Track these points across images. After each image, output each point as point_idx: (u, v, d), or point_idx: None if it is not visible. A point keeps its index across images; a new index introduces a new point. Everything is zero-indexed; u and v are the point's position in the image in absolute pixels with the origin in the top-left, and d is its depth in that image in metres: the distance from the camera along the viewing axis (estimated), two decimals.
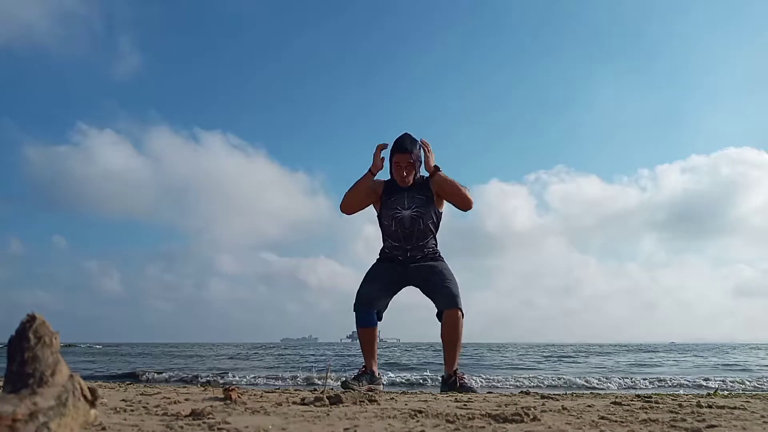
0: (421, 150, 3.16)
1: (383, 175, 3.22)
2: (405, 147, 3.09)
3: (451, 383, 3.01)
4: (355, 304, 3.20)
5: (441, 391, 2.94)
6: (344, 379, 3.25)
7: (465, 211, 3.19)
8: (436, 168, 3.10)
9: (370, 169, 3.13)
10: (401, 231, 3.14)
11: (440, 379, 3.22)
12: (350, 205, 3.21)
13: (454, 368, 3.08)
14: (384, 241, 3.29)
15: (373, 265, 3.31)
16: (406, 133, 3.14)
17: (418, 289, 3.26)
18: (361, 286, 3.24)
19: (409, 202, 3.12)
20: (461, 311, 3.07)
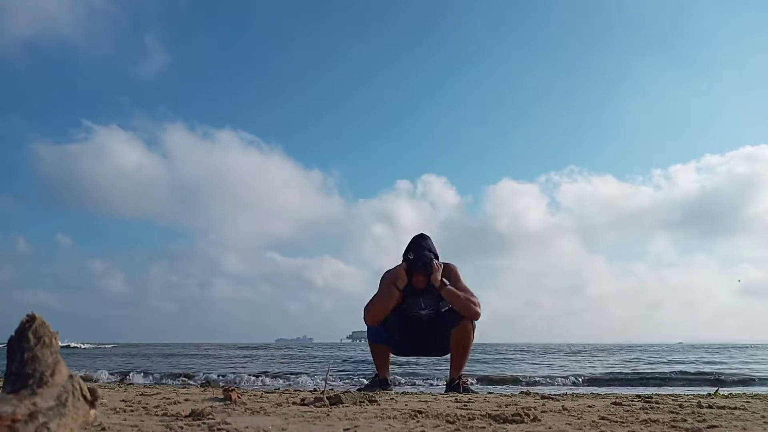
0: (432, 251, 3.21)
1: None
2: (423, 268, 3.14)
3: (455, 386, 3.09)
4: (365, 318, 3.21)
5: (445, 392, 3.03)
6: (358, 388, 3.28)
7: (473, 320, 3.18)
8: (443, 283, 3.11)
9: (397, 286, 3.14)
10: (419, 329, 3.23)
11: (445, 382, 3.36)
12: (379, 318, 3.19)
13: (460, 374, 3.15)
14: (400, 334, 3.26)
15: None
16: (420, 240, 3.21)
17: None
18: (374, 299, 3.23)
19: (425, 303, 3.20)
20: (473, 324, 3.13)
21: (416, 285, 3.15)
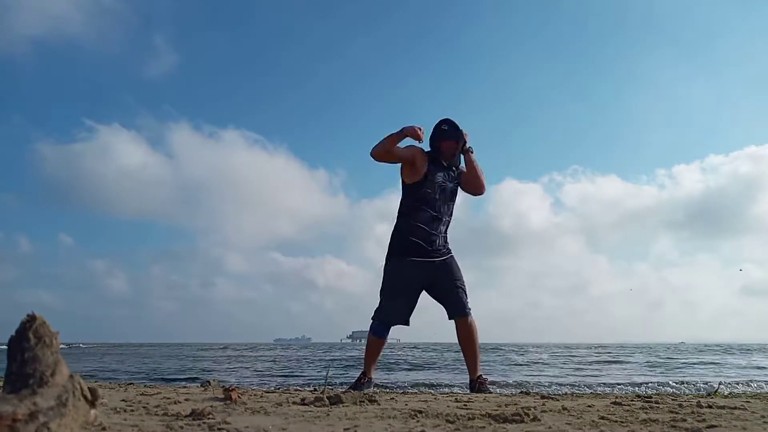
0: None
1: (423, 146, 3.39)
2: (455, 136, 3.34)
3: (475, 387, 3.15)
4: (376, 314, 3.20)
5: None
6: (346, 390, 3.28)
7: (476, 195, 3.46)
8: (471, 149, 3.37)
9: (404, 130, 3.22)
10: (443, 201, 3.28)
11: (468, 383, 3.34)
12: (384, 152, 3.25)
13: (478, 374, 3.19)
14: (419, 212, 3.23)
15: (399, 266, 3.21)
16: (451, 120, 3.36)
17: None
18: (387, 296, 3.21)
19: (452, 178, 3.34)
20: (471, 316, 3.20)
21: (445, 152, 3.31)
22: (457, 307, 3.17)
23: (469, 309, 3.20)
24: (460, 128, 3.34)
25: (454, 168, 3.36)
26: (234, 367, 9.46)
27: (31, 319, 0.90)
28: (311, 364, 10.31)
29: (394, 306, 3.19)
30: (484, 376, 3.21)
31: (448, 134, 3.31)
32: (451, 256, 3.27)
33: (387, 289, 3.22)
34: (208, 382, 3.96)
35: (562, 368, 8.93)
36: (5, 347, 0.92)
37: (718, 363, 10.82)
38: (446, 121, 3.35)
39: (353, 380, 3.30)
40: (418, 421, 1.49)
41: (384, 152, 3.26)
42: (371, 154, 3.28)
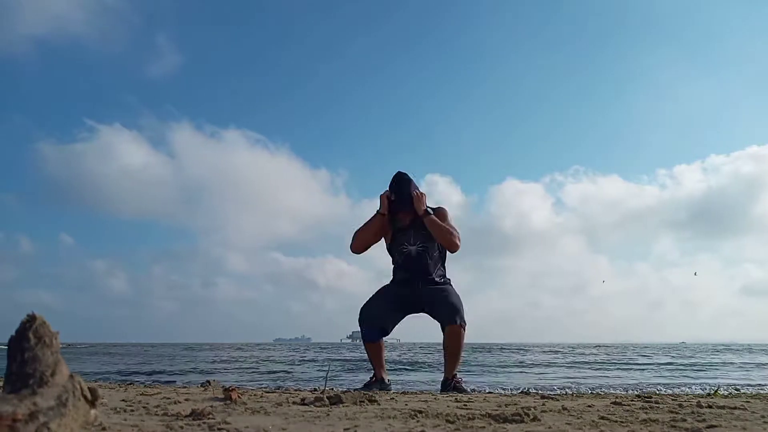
0: (415, 191, 3.25)
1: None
2: (406, 205, 3.22)
3: (448, 385, 3.16)
4: (359, 319, 3.29)
5: (440, 391, 3.08)
6: (355, 388, 3.29)
7: (451, 252, 3.32)
8: (426, 212, 3.23)
9: (380, 212, 3.24)
10: (410, 265, 3.29)
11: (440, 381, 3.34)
12: (363, 244, 3.31)
13: (453, 373, 3.20)
14: (395, 273, 3.40)
15: (384, 285, 3.40)
16: (403, 179, 3.24)
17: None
18: (368, 300, 3.32)
19: (414, 238, 3.28)
20: (463, 326, 3.17)
21: (402, 222, 3.28)
22: (449, 316, 3.15)
23: (461, 319, 3.15)
24: (409, 190, 3.21)
25: (419, 225, 3.25)
26: (234, 367, 9.45)
27: (31, 319, 0.90)
28: (311, 364, 10.30)
29: (371, 308, 3.27)
30: (459, 377, 3.22)
31: (397, 204, 3.22)
32: (445, 285, 3.30)
33: (370, 298, 3.33)
34: (208, 382, 3.96)
35: (562, 368, 8.92)
36: (5, 347, 0.92)
37: (718, 363, 10.81)
38: (394, 187, 3.24)
39: (352, 380, 3.34)
40: (418, 421, 1.49)
41: (365, 244, 3.29)
42: (352, 250, 3.29)
